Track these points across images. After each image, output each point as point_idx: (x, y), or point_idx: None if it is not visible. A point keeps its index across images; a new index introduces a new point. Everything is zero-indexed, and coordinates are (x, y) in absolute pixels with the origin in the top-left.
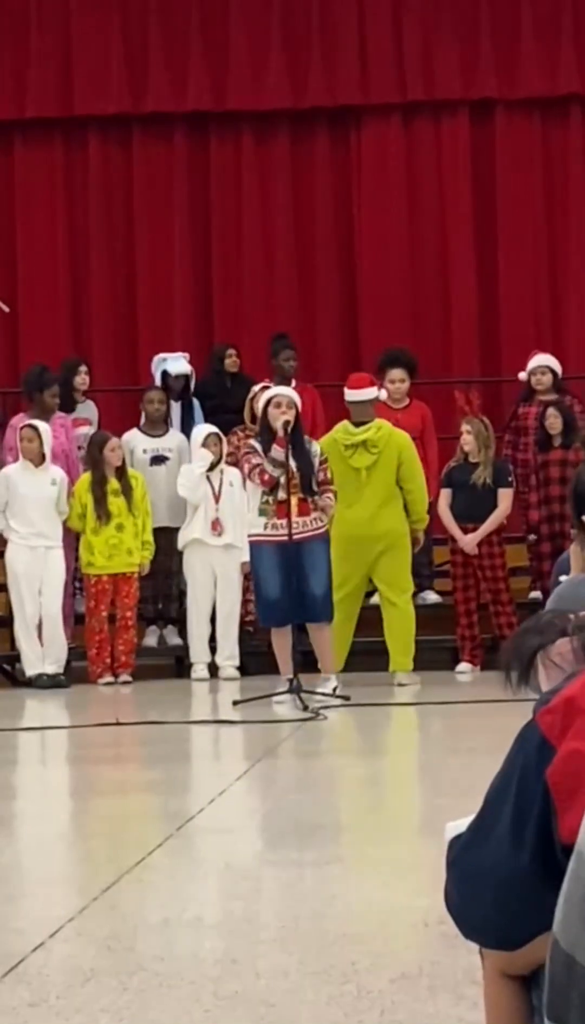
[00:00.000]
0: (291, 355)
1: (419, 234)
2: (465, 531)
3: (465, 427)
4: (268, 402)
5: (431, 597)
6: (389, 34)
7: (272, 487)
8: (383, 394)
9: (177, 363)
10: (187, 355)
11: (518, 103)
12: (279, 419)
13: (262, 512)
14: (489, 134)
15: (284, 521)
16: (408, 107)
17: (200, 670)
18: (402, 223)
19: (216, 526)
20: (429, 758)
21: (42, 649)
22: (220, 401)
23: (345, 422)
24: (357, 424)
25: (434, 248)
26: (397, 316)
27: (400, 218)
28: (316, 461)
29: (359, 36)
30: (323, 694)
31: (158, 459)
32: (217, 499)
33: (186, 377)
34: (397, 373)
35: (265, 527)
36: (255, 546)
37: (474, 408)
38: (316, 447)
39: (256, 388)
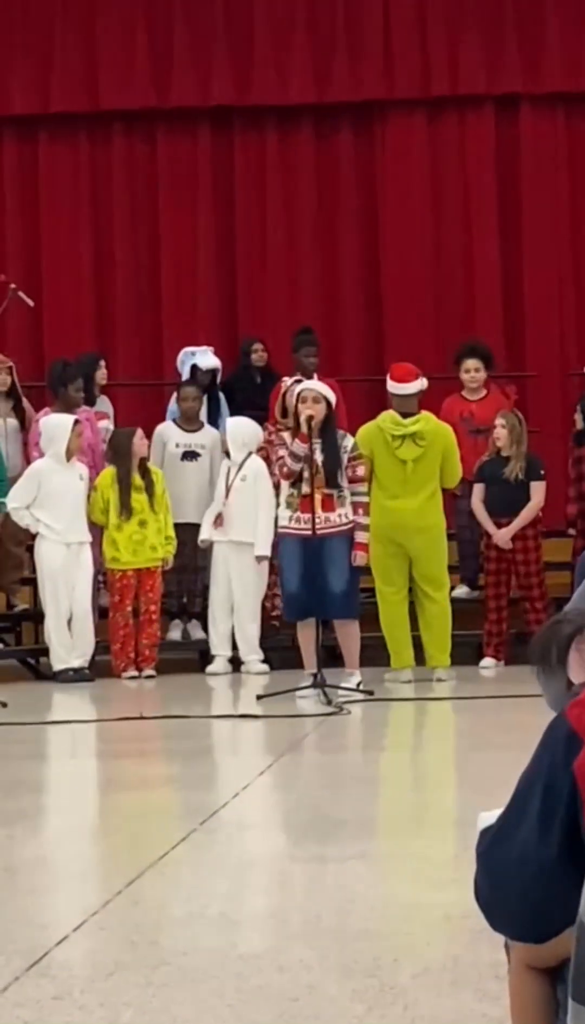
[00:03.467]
0: (312, 351)
1: (443, 229)
2: (499, 525)
3: (499, 421)
4: (297, 396)
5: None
6: (414, 29)
7: (292, 480)
8: (423, 383)
9: (206, 357)
10: (213, 348)
11: (543, 98)
12: (303, 414)
13: (288, 505)
14: (514, 129)
15: (308, 515)
16: (433, 102)
17: (218, 663)
18: (426, 218)
19: (219, 521)
20: (453, 753)
21: (70, 643)
22: (249, 396)
23: (391, 412)
24: (404, 415)
25: (458, 243)
26: (421, 311)
27: (424, 213)
28: (344, 456)
29: (384, 31)
30: (347, 688)
31: (190, 454)
32: (227, 494)
33: (214, 371)
34: (472, 363)
35: (289, 520)
36: (280, 538)
37: (511, 402)
38: (349, 442)
39: (288, 382)
